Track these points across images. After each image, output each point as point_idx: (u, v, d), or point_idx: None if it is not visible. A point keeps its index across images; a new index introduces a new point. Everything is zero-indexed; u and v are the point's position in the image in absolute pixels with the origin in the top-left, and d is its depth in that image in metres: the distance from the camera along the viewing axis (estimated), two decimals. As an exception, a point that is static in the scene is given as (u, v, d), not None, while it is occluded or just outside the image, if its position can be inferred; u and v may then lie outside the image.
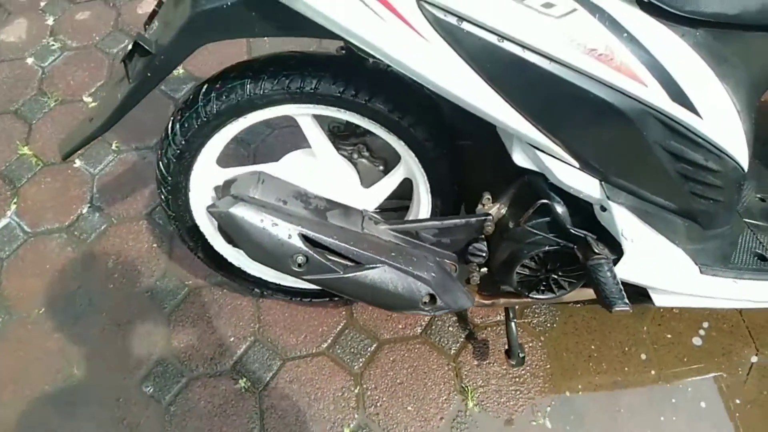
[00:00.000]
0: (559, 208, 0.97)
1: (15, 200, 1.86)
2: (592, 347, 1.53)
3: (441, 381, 1.50)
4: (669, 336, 1.54)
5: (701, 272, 1.01)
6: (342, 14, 0.76)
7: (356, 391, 1.49)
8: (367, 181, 1.24)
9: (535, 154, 0.89)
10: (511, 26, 0.75)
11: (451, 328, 1.57)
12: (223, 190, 0.97)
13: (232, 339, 1.59)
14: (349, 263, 0.98)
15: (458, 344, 1.55)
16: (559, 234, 0.99)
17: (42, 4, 2.40)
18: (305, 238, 0.94)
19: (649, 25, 0.78)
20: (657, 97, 0.81)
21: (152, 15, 0.99)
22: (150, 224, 1.79)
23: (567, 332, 1.56)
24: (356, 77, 1.01)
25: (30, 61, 2.22)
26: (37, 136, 2.00)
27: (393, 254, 1.00)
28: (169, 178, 1.12)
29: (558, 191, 0.97)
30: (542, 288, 1.11)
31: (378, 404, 1.47)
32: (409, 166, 1.15)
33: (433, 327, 1.58)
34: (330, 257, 0.97)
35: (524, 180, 1.02)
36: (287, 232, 0.93)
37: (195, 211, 1.19)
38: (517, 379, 1.49)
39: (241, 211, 0.91)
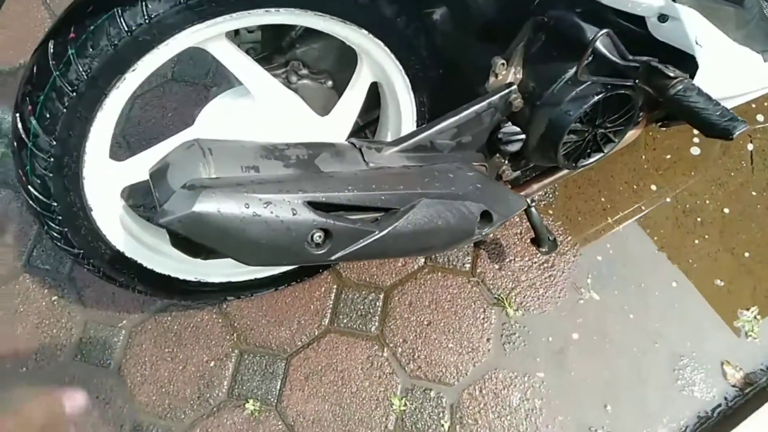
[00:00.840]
0: (611, 40, 0.72)
1: None
2: (602, 199, 1.39)
3: (469, 302, 1.30)
4: (669, 156, 1.43)
5: (765, 60, 0.83)
6: None
7: (385, 354, 1.25)
8: (319, 108, 0.92)
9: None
10: None
11: (454, 242, 1.34)
12: (157, 185, 0.61)
13: (212, 364, 1.27)
14: (377, 214, 0.68)
15: (468, 257, 1.34)
16: (615, 72, 0.76)
17: None
18: (314, 206, 0.62)
19: None
20: None
21: None
22: (35, 275, 1.36)
23: (571, 195, 1.40)
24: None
25: None
26: None
27: (426, 180, 0.71)
28: (54, 204, 0.72)
29: (599, 21, 0.72)
30: (589, 151, 0.89)
31: (415, 357, 1.25)
32: (376, 64, 0.84)
33: (435, 249, 1.33)
34: (353, 217, 0.66)
35: (543, 21, 0.75)
36: (289, 208, 0.61)
37: (110, 235, 0.81)
38: (545, 265, 1.33)
39: (213, 204, 0.57)
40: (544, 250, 1.18)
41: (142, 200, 1.35)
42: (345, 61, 0.91)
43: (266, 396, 1.22)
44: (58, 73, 0.63)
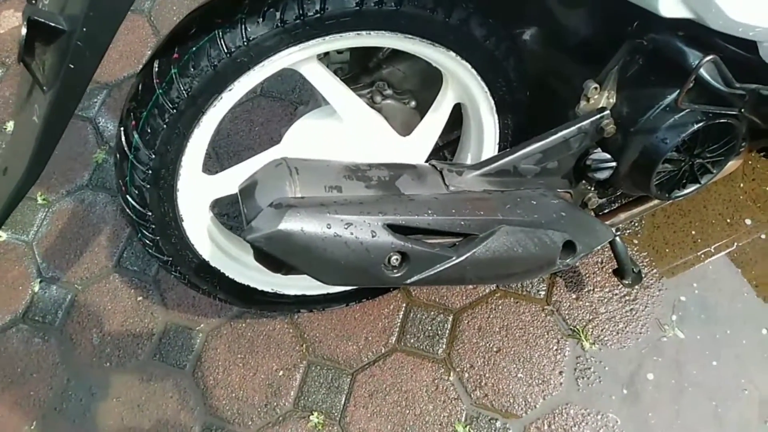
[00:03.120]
0: (717, 66, 0.68)
1: (-59, 307, 1.44)
2: (693, 231, 1.31)
3: (542, 331, 1.25)
4: (769, 188, 1.32)
5: None
6: None
7: (451, 378, 1.23)
8: (401, 128, 0.92)
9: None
10: None
11: (529, 268, 1.30)
12: (245, 201, 0.63)
13: (281, 373, 1.29)
14: (456, 240, 0.67)
15: (544, 283, 1.30)
16: (718, 100, 0.71)
17: None
18: (393, 228, 0.62)
19: None
20: None
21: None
22: (124, 276, 1.43)
23: (659, 225, 1.32)
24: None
25: None
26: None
27: (508, 207, 0.69)
28: (149, 213, 0.77)
29: (703, 45, 0.68)
30: (684, 182, 0.84)
31: (481, 384, 1.22)
32: (461, 85, 0.83)
33: (509, 273, 1.30)
34: (431, 241, 0.65)
35: (641, 44, 0.72)
36: (369, 230, 0.61)
37: (198, 245, 0.84)
38: (627, 298, 1.26)
39: (297, 223, 0.58)
40: (627, 282, 1.12)
41: (227, 210, 1.41)
42: (429, 81, 0.91)
43: (330, 410, 1.23)
44: (161, 91, 0.67)
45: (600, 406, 1.17)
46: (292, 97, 1.59)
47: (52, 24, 0.54)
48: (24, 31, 0.56)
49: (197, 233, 0.85)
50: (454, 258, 0.66)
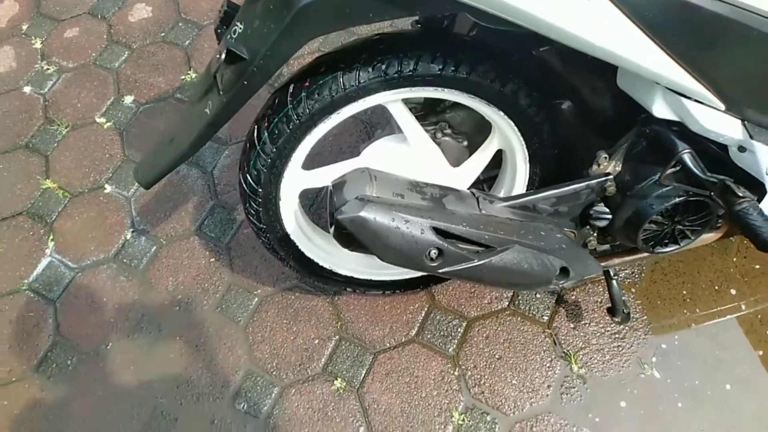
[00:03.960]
0: (693, 157, 0.92)
1: (51, 237, 1.76)
2: (684, 291, 1.51)
3: (540, 349, 1.47)
4: (757, 267, 1.52)
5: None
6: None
7: (456, 373, 1.45)
8: (453, 160, 1.18)
9: (679, 102, 0.84)
10: None
11: (538, 295, 1.54)
12: (336, 193, 0.90)
13: (316, 341, 1.54)
14: (479, 248, 0.93)
15: (549, 310, 1.52)
16: (694, 183, 0.95)
17: (24, 27, 2.24)
18: (436, 231, 0.88)
19: None
20: None
21: (225, 17, 0.90)
22: (202, 239, 1.71)
23: (656, 280, 1.53)
24: (454, 51, 0.94)
25: (27, 89, 2.08)
26: (57, 167, 1.89)
27: (522, 232, 0.94)
28: (260, 190, 1.04)
29: (688, 138, 0.92)
30: (666, 241, 1.07)
31: (481, 383, 1.44)
32: (505, 136, 1.09)
33: (520, 297, 1.54)
34: (462, 246, 0.91)
35: (645, 131, 0.97)
36: (419, 228, 0.87)
37: (286, 220, 1.12)
38: (617, 335, 1.47)
39: (372, 213, 0.85)
40: (617, 320, 1.34)
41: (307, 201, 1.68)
42: (480, 128, 1.16)
43: (352, 379, 1.47)
44: (291, 106, 0.95)
45: (576, 420, 1.38)
46: (363, 117, 1.87)
47: (239, 53, 0.83)
48: (223, 56, 0.85)
49: (287, 211, 1.13)
50: (475, 260, 0.91)
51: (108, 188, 1.83)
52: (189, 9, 2.18)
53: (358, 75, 0.92)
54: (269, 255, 1.64)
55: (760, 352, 1.41)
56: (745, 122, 0.88)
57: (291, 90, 0.95)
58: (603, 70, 0.93)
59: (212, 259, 1.68)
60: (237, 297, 1.61)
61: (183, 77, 2.02)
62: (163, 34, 2.13)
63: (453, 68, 0.94)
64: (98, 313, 1.63)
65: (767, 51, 0.79)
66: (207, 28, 2.12)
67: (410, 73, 0.93)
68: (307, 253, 1.21)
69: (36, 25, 2.23)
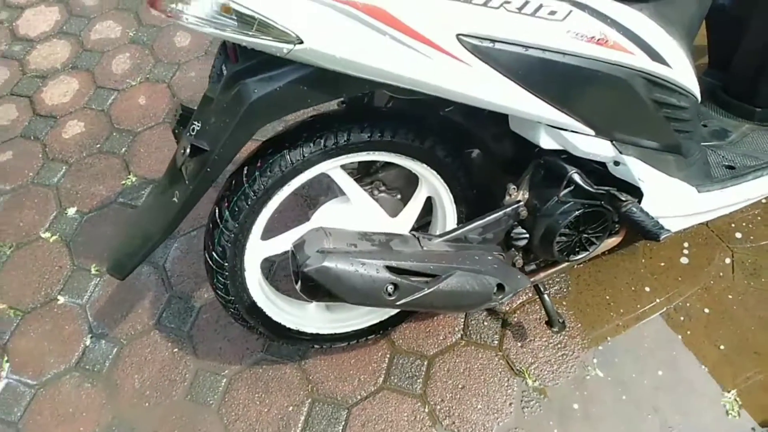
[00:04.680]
0: (581, 175, 1.15)
1: (5, 359, 1.75)
2: (606, 297, 1.72)
3: (496, 371, 1.61)
4: (662, 264, 1.77)
5: (698, 192, 1.23)
6: (390, 63, 0.89)
7: (426, 409, 1.56)
8: (390, 212, 1.36)
9: (559, 134, 1.07)
10: (531, 36, 0.93)
11: (485, 323, 1.70)
12: (298, 252, 1.04)
13: (290, 409, 1.60)
14: (427, 279, 1.09)
15: (497, 334, 1.68)
16: (587, 196, 1.17)
17: (-46, 157, 2.28)
18: (389, 269, 1.04)
19: (621, 9, 0.99)
20: (642, 60, 1.02)
21: (181, 119, 1.05)
22: (162, 332, 1.77)
23: (581, 290, 1.74)
24: (378, 120, 1.13)
25: (-37, 219, 2.10)
26: (4, 288, 1.91)
27: (460, 259, 1.12)
28: (226, 264, 1.16)
29: (575, 162, 1.15)
30: (577, 249, 1.28)
31: (450, 414, 1.56)
32: (431, 185, 1.29)
33: (470, 328, 1.70)
34: (412, 279, 1.07)
35: (540, 162, 1.20)
36: (375, 268, 1.02)
37: (252, 289, 1.24)
38: (559, 345, 1.64)
39: (334, 262, 0.99)
40: (555, 329, 1.52)
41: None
42: (409, 182, 1.36)
43: (331, 437, 1.54)
44: (247, 185, 1.10)
45: (541, 429, 1.51)
46: (302, 192, 2.03)
47: (200, 146, 0.98)
48: (188, 150, 0.99)
49: (252, 281, 1.24)
50: (425, 289, 1.07)
51: (61, 299, 1.86)
52: (121, 119, 2.32)
53: (302, 151, 1.09)
54: (232, 334, 1.73)
55: (680, 336, 1.63)
56: (613, 142, 1.12)
57: (245, 171, 1.10)
58: (497, 119, 1.16)
59: (176, 349, 1.73)
60: (205, 381, 1.66)
61: (123, 182, 2.12)
62: (98, 146, 2.24)
63: (379, 134, 1.13)
64: (66, 426, 1.62)
65: (612, 87, 1.04)
66: (141, 135, 2.26)
67: (345, 143, 1.11)
68: (275, 318, 1.32)
69: (-34, 155, 2.28)
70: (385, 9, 0.85)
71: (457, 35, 0.90)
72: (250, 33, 0.84)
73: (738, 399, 1.52)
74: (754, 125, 1.50)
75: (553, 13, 0.93)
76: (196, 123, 1.01)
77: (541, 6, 0.93)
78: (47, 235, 2.01)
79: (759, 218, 1.84)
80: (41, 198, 2.11)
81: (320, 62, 0.89)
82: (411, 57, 0.89)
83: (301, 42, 0.85)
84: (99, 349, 1.75)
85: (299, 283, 1.03)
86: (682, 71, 1.10)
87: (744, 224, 1.84)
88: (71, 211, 2.07)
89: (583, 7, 0.96)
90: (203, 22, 0.84)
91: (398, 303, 1.06)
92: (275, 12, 0.83)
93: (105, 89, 2.44)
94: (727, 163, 1.34)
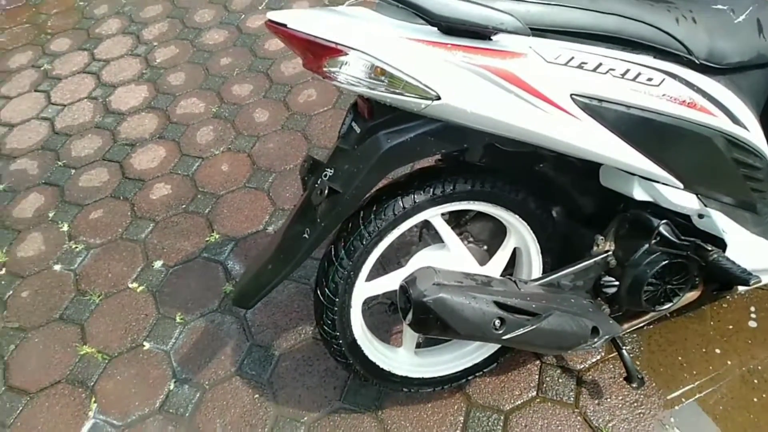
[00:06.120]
0: (670, 227, 1.26)
1: (93, 399, 1.83)
2: (679, 358, 1.76)
3: (574, 429, 1.63)
4: (730, 327, 1.81)
5: (773, 247, 1.32)
6: (514, 117, 1.04)
7: (505, 464, 1.58)
8: (479, 261, 1.46)
9: (651, 186, 1.19)
10: (633, 98, 1.08)
11: (560, 380, 1.74)
12: (410, 286, 1.14)
13: (368, 458, 1.63)
14: (529, 317, 1.17)
15: (573, 392, 1.71)
16: (674, 247, 1.27)
17: (50, 214, 2.48)
18: (497, 304, 1.13)
19: (704, 78, 1.15)
20: (724, 122, 1.16)
21: (310, 168, 1.21)
22: (243, 378, 1.84)
23: (654, 351, 1.78)
24: (478, 173, 1.27)
25: (57, 268, 2.26)
26: (93, 333, 2.02)
27: (557, 301, 1.21)
28: (337, 300, 1.27)
29: (662, 213, 1.26)
30: (662, 300, 1.36)
31: (529, 469, 1.56)
32: (519, 235, 1.40)
33: (545, 384, 1.73)
34: (517, 316, 1.16)
35: (628, 215, 1.31)
36: (485, 302, 1.12)
37: (354, 327, 1.33)
38: (636, 404, 1.66)
39: (450, 294, 1.09)
40: (634, 385, 1.56)
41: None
42: (494, 234, 1.47)
43: (411, 487, 1.56)
44: (363, 226, 1.23)
45: (623, 487, 1.51)
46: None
47: (335, 188, 1.12)
48: (326, 191, 1.13)
49: (355, 319, 1.34)
50: (529, 326, 1.15)
51: (147, 345, 1.96)
52: (205, 183, 2.51)
53: (413, 197, 1.22)
54: (311, 383, 1.79)
55: (754, 399, 1.64)
56: (699, 195, 1.24)
57: (362, 215, 1.23)
58: (587, 175, 1.29)
59: (256, 396, 1.79)
60: (285, 427, 1.71)
61: (207, 239, 2.27)
62: (183, 206, 2.42)
63: (480, 185, 1.26)
64: (149, 466, 1.67)
65: (699, 144, 1.18)
66: (224, 197, 2.44)
67: (450, 192, 1.24)
68: (371, 357, 1.40)
69: (61, 212, 2.48)
70: (513, 72, 1.01)
71: (571, 95, 1.05)
72: (397, 91, 1.00)
73: (823, 464, 1.50)
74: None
75: (650, 79, 1.09)
76: (328, 170, 1.16)
77: (640, 74, 1.08)
78: (134, 285, 2.15)
79: (823, 286, 1.89)
80: (129, 252, 2.27)
81: (451, 117, 1.05)
82: (531, 112, 1.04)
83: (439, 98, 1.00)
84: (182, 393, 1.82)
85: (411, 315, 1.13)
86: (756, 135, 1.23)
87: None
88: (158, 264, 2.21)
89: (674, 76, 1.11)
90: (358, 82, 1.00)
91: (504, 338, 1.14)
92: (420, 73, 0.99)
93: (190, 157, 2.66)
94: (793, 222, 1.44)
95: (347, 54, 0.98)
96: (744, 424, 1.59)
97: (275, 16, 1.00)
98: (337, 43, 0.97)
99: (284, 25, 0.99)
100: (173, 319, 2.02)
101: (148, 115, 2.93)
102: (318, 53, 1.00)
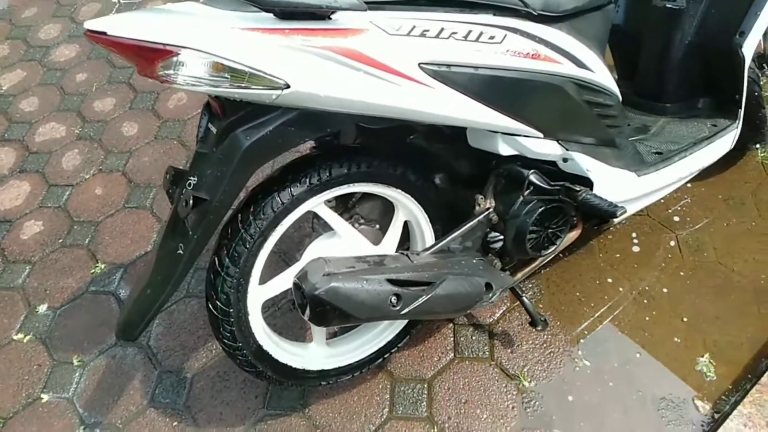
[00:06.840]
0: (538, 175, 1.31)
1: (-8, 470, 1.67)
2: (577, 294, 1.87)
3: (493, 381, 1.69)
4: (617, 255, 1.94)
5: (638, 176, 1.42)
6: (367, 94, 1.03)
7: (435, 430, 1.62)
8: (373, 241, 1.46)
9: (514, 140, 1.22)
10: (478, 59, 1.09)
11: (473, 337, 1.79)
12: (302, 281, 1.11)
13: (302, 457, 1.60)
14: (424, 287, 1.19)
15: (486, 346, 1.77)
16: (545, 193, 1.33)
17: None
18: (390, 281, 1.13)
19: (544, 29, 1.19)
20: (570, 68, 1.21)
21: (173, 179, 1.14)
22: (158, 408, 1.75)
23: (553, 291, 1.87)
24: (352, 155, 1.25)
25: None
26: (-20, 398, 1.83)
27: (449, 266, 1.23)
28: (231, 311, 1.22)
29: (529, 166, 1.31)
30: (546, 244, 1.42)
31: (459, 429, 1.61)
32: (407, 209, 1.40)
33: (460, 345, 1.78)
34: (411, 289, 1.16)
35: (500, 171, 1.35)
36: (378, 282, 1.11)
37: (257, 333, 1.29)
38: (546, 345, 1.75)
39: (341, 282, 1.08)
40: (539, 328, 1.63)
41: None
42: (384, 212, 1.47)
43: (348, 476, 1.55)
44: (243, 230, 1.18)
45: (546, 425, 1.59)
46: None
47: (201, 196, 1.06)
48: (191, 202, 1.06)
49: (256, 325, 1.30)
50: (424, 296, 1.16)
51: (45, 397, 1.81)
52: (80, 212, 2.33)
53: (290, 191, 1.19)
54: (230, 397, 1.73)
55: (647, 317, 1.78)
56: (559, 141, 1.29)
57: (240, 218, 1.18)
58: (456, 139, 1.31)
59: (175, 423, 1.71)
60: (212, 449, 1.64)
61: (92, 271, 2.11)
62: (60, 241, 2.23)
63: (356, 166, 1.25)
64: None
65: (550, 93, 1.22)
66: (103, 223, 2.27)
67: (327, 178, 1.22)
68: (281, 360, 1.36)
69: None
70: (357, 49, 0.99)
71: (419, 64, 1.05)
72: (243, 85, 0.95)
73: (712, 361, 1.66)
74: (669, 118, 1.74)
75: (492, 37, 1.11)
76: (192, 178, 1.09)
77: (482, 33, 1.10)
78: (20, 336, 1.97)
79: (690, 202, 2.07)
80: (8, 301, 2.07)
81: (305, 103, 1.01)
82: (383, 87, 1.03)
83: (288, 86, 0.97)
84: (94, 439, 1.70)
85: (308, 310, 1.10)
86: (602, 75, 1.30)
87: (679, 209, 2.06)
88: (42, 308, 2.03)
89: (515, 31, 1.14)
90: (198, 82, 0.94)
91: (403, 312, 1.14)
92: (262, 63, 0.95)
93: (58, 186, 2.45)
94: (655, 150, 1.55)
95: (179, 54, 0.91)
96: (641, 342, 1.72)
97: (93, 24, 0.91)
98: (165, 44, 0.90)
99: (104, 33, 0.90)
100: (70, 363, 1.88)
101: (3, 149, 2.66)
102: (149, 57, 0.93)
